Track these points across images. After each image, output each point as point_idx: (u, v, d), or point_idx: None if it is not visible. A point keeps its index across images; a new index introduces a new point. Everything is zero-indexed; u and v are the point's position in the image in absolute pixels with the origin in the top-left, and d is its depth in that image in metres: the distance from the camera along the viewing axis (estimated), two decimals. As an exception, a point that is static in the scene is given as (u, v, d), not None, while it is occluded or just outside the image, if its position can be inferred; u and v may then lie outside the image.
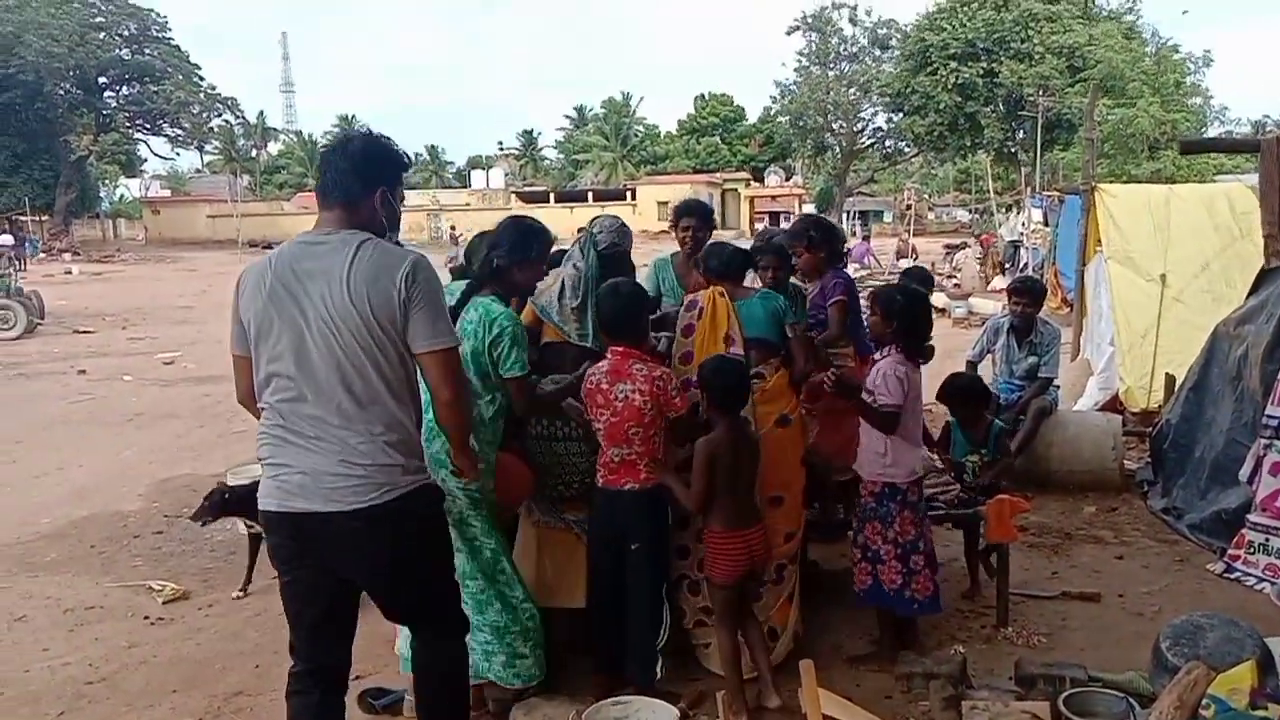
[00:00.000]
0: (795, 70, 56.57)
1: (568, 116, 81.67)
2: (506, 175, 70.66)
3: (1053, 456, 6.72)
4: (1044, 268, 17.69)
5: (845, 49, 55.69)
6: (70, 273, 35.45)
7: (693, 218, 5.18)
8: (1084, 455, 6.72)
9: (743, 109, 75.03)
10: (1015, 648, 4.39)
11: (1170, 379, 7.55)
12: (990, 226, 33.47)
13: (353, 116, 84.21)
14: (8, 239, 32.50)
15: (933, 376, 5.44)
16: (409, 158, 2.98)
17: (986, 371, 6.88)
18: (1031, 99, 40.12)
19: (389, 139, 2.92)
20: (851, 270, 5.76)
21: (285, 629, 4.73)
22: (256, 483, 5.21)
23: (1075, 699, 3.50)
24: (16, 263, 24.93)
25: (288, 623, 2.96)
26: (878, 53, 54.93)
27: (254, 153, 76.94)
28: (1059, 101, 40.10)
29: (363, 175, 2.81)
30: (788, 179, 63.19)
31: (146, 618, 5.03)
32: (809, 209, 50.43)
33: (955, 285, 22.60)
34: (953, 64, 45.91)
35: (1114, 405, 8.28)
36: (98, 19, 54.16)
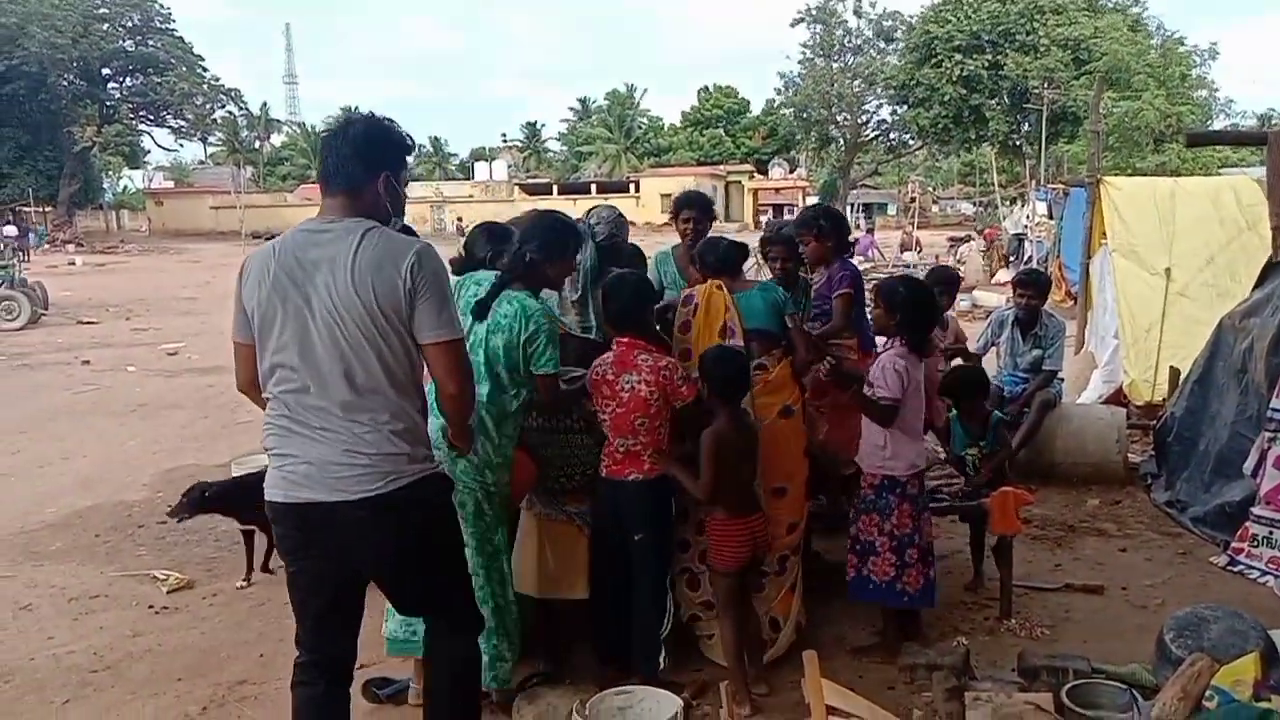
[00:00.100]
0: (799, 62, 56.53)
1: (571, 108, 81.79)
2: (510, 167, 70.59)
3: (1056, 449, 6.72)
4: (1048, 261, 17.66)
5: (850, 41, 55.59)
6: (74, 264, 35.50)
7: (693, 209, 5.18)
8: (1088, 448, 6.72)
9: (747, 101, 74.94)
10: (1018, 639, 4.39)
11: (1175, 372, 7.54)
12: (994, 219, 33.46)
13: (355, 108, 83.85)
14: (11, 230, 32.57)
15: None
16: (411, 140, 2.92)
17: (991, 364, 6.88)
18: (1036, 91, 40.06)
19: (391, 121, 2.86)
20: (856, 262, 5.75)
21: (289, 618, 4.75)
22: (235, 480, 5.23)
23: (1078, 691, 3.50)
24: (20, 253, 25.02)
25: (294, 613, 2.95)
26: (882, 45, 54.82)
27: (257, 144, 76.99)
28: (1064, 94, 40.02)
29: (365, 160, 2.76)
30: (791, 171, 63.10)
31: (151, 607, 5.04)
32: (812, 201, 50.38)
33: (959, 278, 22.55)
34: (957, 56, 45.82)
35: (1118, 398, 8.28)
36: (101, 10, 54.18)
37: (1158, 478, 6.65)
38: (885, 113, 55.95)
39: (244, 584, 5.25)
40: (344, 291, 2.64)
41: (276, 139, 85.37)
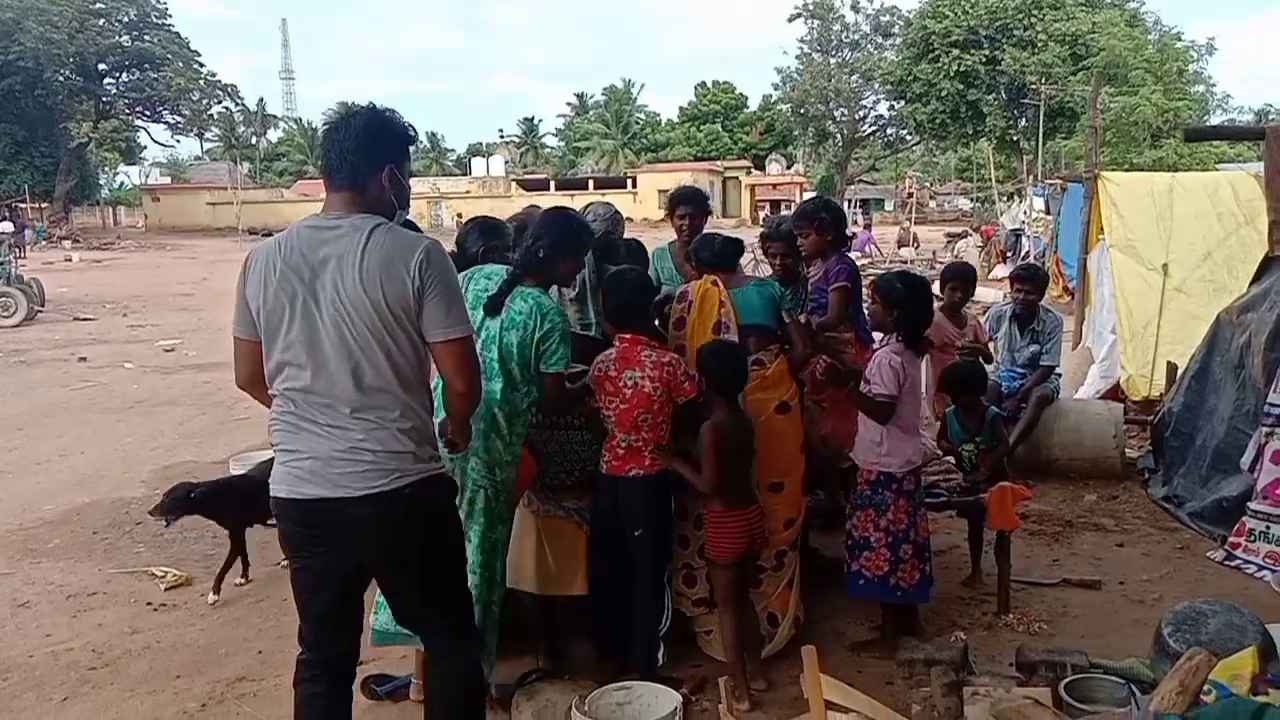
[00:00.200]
0: (797, 58, 56.58)
1: (569, 104, 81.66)
2: (507, 163, 70.56)
3: (1054, 444, 6.73)
4: (1045, 256, 17.67)
5: (847, 36, 55.67)
6: (70, 260, 35.41)
7: (689, 205, 5.17)
8: (1085, 443, 6.73)
9: (744, 96, 74.95)
10: (1016, 634, 4.39)
11: (1172, 367, 7.56)
12: (992, 215, 33.45)
13: (352, 103, 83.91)
14: (7, 226, 32.51)
15: (936, 365, 5.45)
16: (414, 130, 2.88)
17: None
18: (1034, 87, 40.06)
19: (392, 112, 2.82)
20: (853, 257, 5.70)
21: (288, 615, 4.78)
22: (220, 482, 5.17)
23: (1076, 685, 3.51)
24: (16, 250, 24.97)
25: (297, 610, 2.93)
26: (880, 40, 54.91)
27: (254, 140, 76.93)
28: (1061, 89, 40.03)
29: (368, 153, 2.72)
30: (789, 167, 63.09)
31: (149, 603, 5.04)
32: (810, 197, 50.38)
33: (956, 273, 22.53)
34: (955, 51, 45.83)
35: (1115, 393, 8.29)
36: (97, 5, 54.04)
37: (1155, 473, 6.66)
38: (882, 108, 56.07)
39: (242, 581, 5.24)
40: (352, 290, 2.62)
41: (273, 135, 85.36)
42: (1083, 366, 9.12)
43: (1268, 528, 5.23)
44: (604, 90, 77.25)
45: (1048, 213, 22.90)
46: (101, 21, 54.04)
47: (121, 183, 74.51)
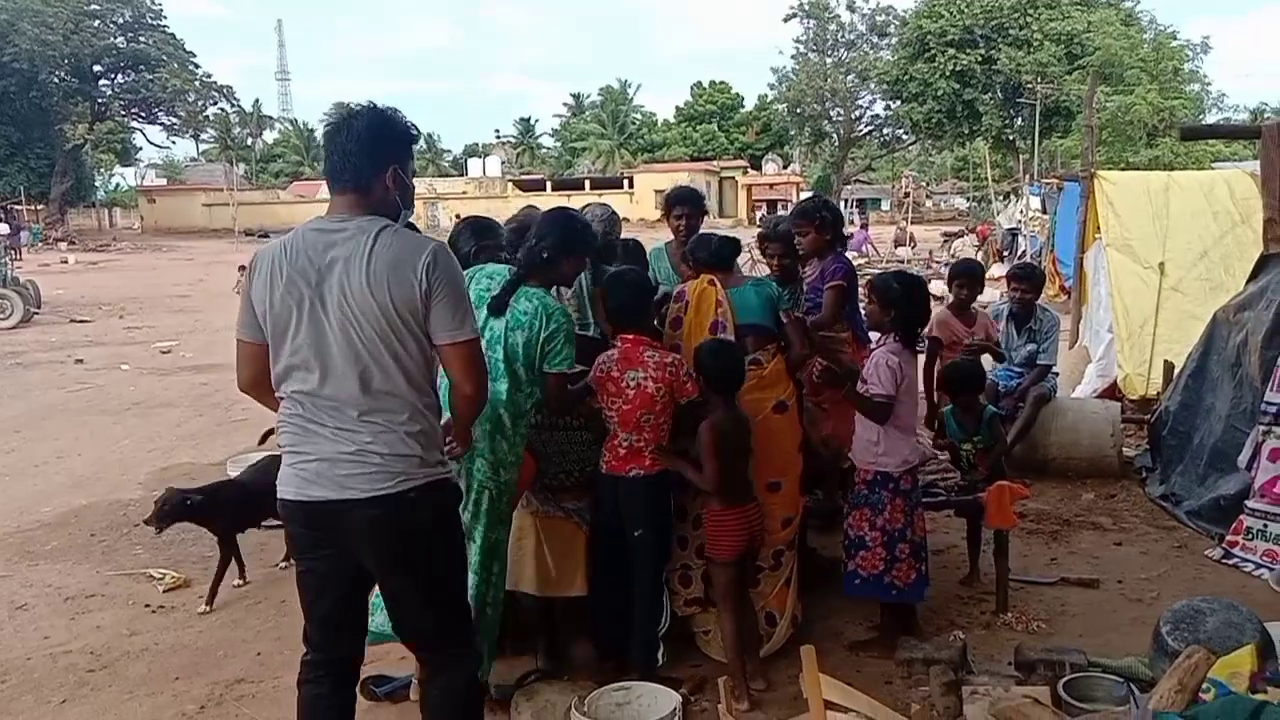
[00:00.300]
0: (793, 57, 56.63)
1: (565, 104, 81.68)
2: (503, 163, 70.51)
3: (1051, 444, 6.74)
4: (1042, 255, 17.69)
5: (843, 36, 55.74)
6: (66, 262, 35.36)
7: (685, 206, 5.18)
8: (1083, 442, 6.74)
9: (740, 96, 74.96)
10: (1015, 633, 4.39)
11: (1169, 366, 7.57)
12: (988, 214, 33.48)
13: (353, 104, 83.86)
14: (3, 228, 32.41)
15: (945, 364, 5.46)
16: (416, 129, 2.86)
17: (986, 358, 6.87)
18: (1030, 86, 40.12)
19: (395, 110, 2.80)
20: (850, 257, 5.66)
21: (286, 617, 4.79)
22: (211, 487, 5.12)
23: (1075, 684, 3.51)
24: (12, 251, 24.93)
25: (302, 611, 2.92)
26: (875, 40, 54.98)
27: (250, 141, 76.84)
28: (1057, 89, 40.09)
29: (371, 154, 2.71)
30: (785, 167, 63.11)
31: (147, 605, 5.03)
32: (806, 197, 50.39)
33: (953, 273, 22.56)
34: (951, 51, 45.90)
35: (1112, 392, 8.30)
36: (92, 7, 54.04)
37: (1152, 471, 6.67)
38: (879, 108, 56.17)
39: (240, 583, 5.23)
40: (359, 293, 2.61)
41: (269, 136, 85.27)
42: (1080, 365, 9.13)
43: (1265, 526, 5.24)
44: (600, 91, 77.38)
45: (1044, 212, 22.92)
46: (96, 23, 54.03)
47: (117, 184, 74.56)
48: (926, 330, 6.07)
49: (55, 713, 4.00)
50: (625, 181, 58.41)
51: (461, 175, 66.41)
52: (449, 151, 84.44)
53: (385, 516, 2.69)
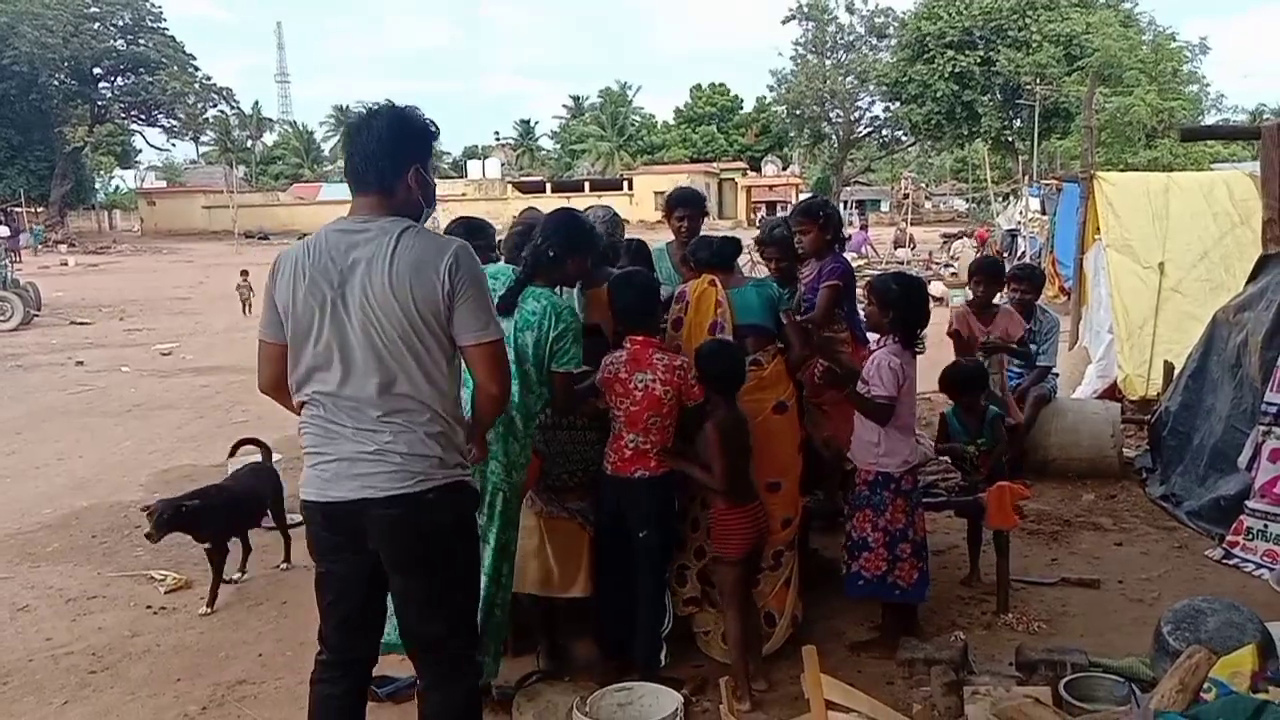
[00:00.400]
0: (792, 59, 56.64)
1: (565, 106, 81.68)
2: (503, 165, 70.54)
3: (1052, 444, 6.74)
4: (1041, 256, 17.71)
5: (842, 38, 55.75)
6: (66, 264, 35.40)
7: (686, 207, 5.19)
8: (1083, 443, 6.74)
9: (739, 98, 74.99)
10: (1016, 634, 4.40)
11: (1169, 367, 7.57)
12: (987, 215, 33.51)
13: (347, 107, 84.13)
14: (3, 230, 32.45)
15: (931, 365, 5.46)
16: (435, 126, 2.81)
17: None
18: (1029, 87, 40.18)
19: (414, 109, 2.78)
20: (849, 258, 5.61)
21: (287, 618, 4.81)
22: (200, 493, 5.06)
23: (1076, 684, 3.51)
24: (12, 254, 24.95)
25: (320, 612, 2.91)
26: (874, 41, 55.02)
27: (249, 143, 76.87)
28: (1056, 90, 40.13)
29: (393, 155, 2.70)
30: (785, 168, 63.13)
31: (149, 607, 5.03)
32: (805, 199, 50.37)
33: (952, 274, 22.64)
34: (950, 52, 45.95)
35: (1112, 393, 8.31)
36: (92, 9, 54.07)
37: (1153, 472, 6.67)
38: (878, 109, 56.21)
39: (240, 575, 5.24)
40: (381, 294, 2.61)
41: (269, 138, 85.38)
42: (1080, 366, 9.13)
43: (1265, 526, 5.24)
44: (600, 92, 77.43)
45: (1043, 213, 22.94)
46: (96, 25, 54.06)
47: (117, 187, 74.61)
48: (947, 327, 6.06)
49: (57, 714, 4.00)
50: (625, 183, 58.43)
51: (461, 177, 66.39)
52: (448, 153, 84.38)
53: (404, 517, 2.68)
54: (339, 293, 2.65)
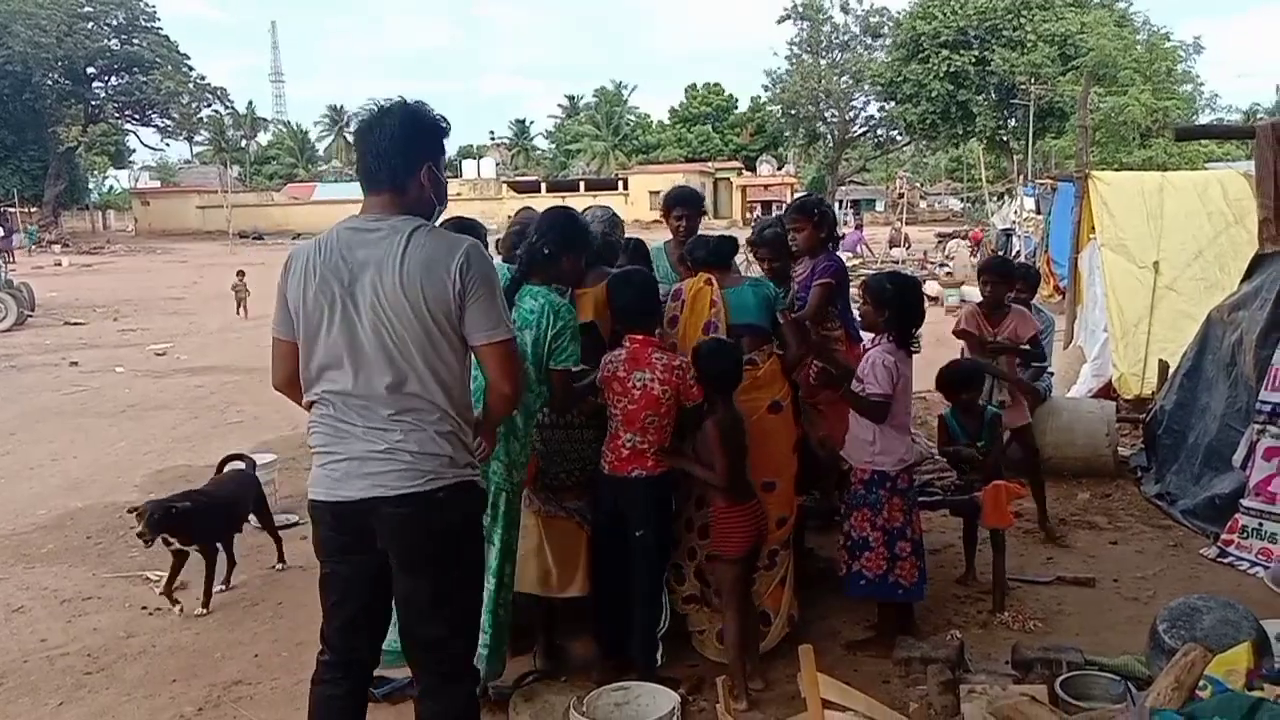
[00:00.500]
0: (787, 59, 56.67)
1: (560, 105, 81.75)
2: (498, 165, 70.53)
3: (1047, 443, 6.72)
4: (1036, 255, 17.74)
5: (837, 38, 55.77)
6: (60, 264, 35.34)
7: (684, 207, 5.19)
8: (1078, 442, 6.75)
9: (734, 98, 75.06)
10: (1012, 632, 4.40)
11: (1163, 366, 7.59)
12: (982, 215, 33.56)
13: (341, 107, 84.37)
14: (-3, 230, 32.39)
15: (928, 364, 5.46)
16: (446, 123, 2.80)
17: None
18: (1023, 87, 40.27)
19: (425, 105, 2.77)
20: (844, 258, 5.57)
21: (283, 619, 4.81)
22: (195, 501, 5.00)
23: (1072, 682, 3.52)
24: (5, 254, 24.89)
25: (323, 612, 2.89)
26: (869, 41, 55.04)
27: (244, 143, 76.78)
28: (1051, 89, 40.20)
29: (406, 153, 2.69)
30: (780, 168, 63.19)
31: (144, 608, 5.02)
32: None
33: (947, 273, 22.68)
34: (944, 52, 46.01)
35: (1107, 392, 8.32)
36: (86, 9, 53.95)
37: (1148, 471, 6.69)
38: (873, 109, 56.25)
39: (222, 588, 5.18)
40: (392, 293, 2.61)
41: (263, 138, 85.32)
42: (1075, 365, 9.15)
43: (1260, 524, 5.26)
44: (595, 92, 77.49)
45: (1038, 212, 23.00)
46: (90, 25, 53.95)
47: (111, 187, 74.50)
48: (956, 326, 6.03)
49: (52, 715, 3.99)
50: (620, 183, 58.47)
51: (456, 177, 66.33)
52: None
53: (414, 515, 2.67)
54: (349, 291, 2.64)
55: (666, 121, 76.48)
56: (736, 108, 74.71)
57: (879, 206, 62.53)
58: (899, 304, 4.24)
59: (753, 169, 63.02)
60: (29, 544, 6.08)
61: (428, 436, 2.67)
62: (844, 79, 55.11)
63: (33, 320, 18.45)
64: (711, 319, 4.14)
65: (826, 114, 56.74)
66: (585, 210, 4.59)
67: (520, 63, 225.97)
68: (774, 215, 5.95)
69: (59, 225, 53.90)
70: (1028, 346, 5.79)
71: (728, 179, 60.51)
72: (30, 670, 4.36)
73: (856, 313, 4.98)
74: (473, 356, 2.80)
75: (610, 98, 75.74)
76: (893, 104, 51.14)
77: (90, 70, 55.76)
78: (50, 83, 52.46)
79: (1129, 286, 8.63)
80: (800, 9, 55.02)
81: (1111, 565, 5.26)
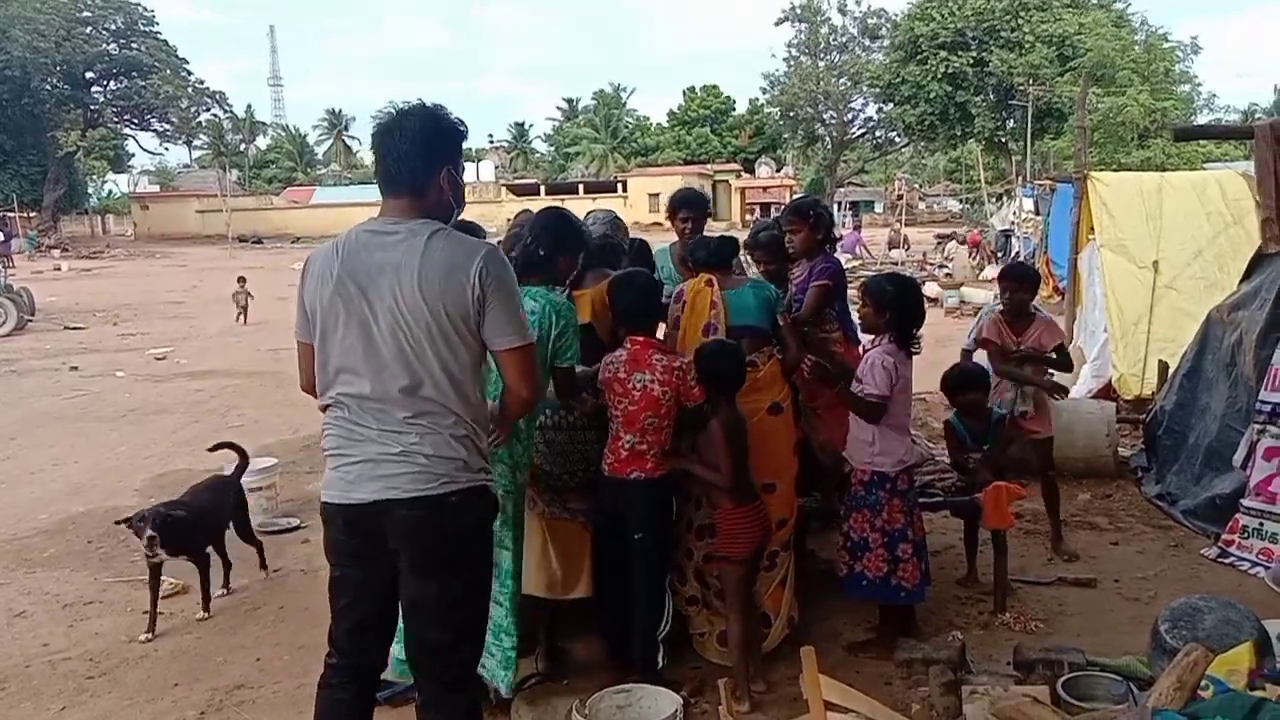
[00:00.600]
0: (785, 61, 56.69)
1: (558, 108, 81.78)
2: (497, 168, 70.58)
3: (1047, 444, 6.73)
4: (1035, 256, 17.75)
5: (835, 39, 55.76)
6: (59, 269, 35.33)
7: (690, 209, 5.22)
8: (1078, 442, 6.74)
9: (732, 100, 75.10)
10: (1013, 633, 4.41)
11: (1163, 366, 7.59)
12: (981, 216, 33.55)
13: (340, 110, 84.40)
14: (-4, 235, 32.35)
15: (928, 365, 5.46)
16: (464, 126, 2.79)
17: (980, 360, 6.87)
18: (1022, 88, 40.27)
19: (443, 108, 2.76)
20: (843, 259, 5.53)
21: (284, 622, 4.81)
22: (192, 509, 4.97)
23: (1074, 683, 3.52)
24: (5, 259, 24.88)
25: (332, 615, 2.88)
26: (867, 43, 55.03)
27: (243, 147, 76.72)
28: (1049, 90, 40.20)
29: (425, 156, 2.69)
30: (778, 170, 63.19)
31: (146, 612, 5.01)
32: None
33: (947, 275, 22.71)
34: (942, 53, 46.00)
35: (1107, 392, 8.32)
36: (84, 13, 53.93)
37: (1148, 471, 6.69)
38: (871, 110, 56.20)
39: (223, 592, 5.19)
40: (410, 297, 2.60)
41: (262, 141, 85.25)
42: (1074, 366, 9.15)
43: (1261, 524, 5.26)
44: (593, 95, 77.54)
45: (1037, 213, 23.02)
46: (89, 30, 53.93)
47: (110, 191, 74.43)
48: (977, 334, 5.96)
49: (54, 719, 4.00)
50: (619, 185, 58.46)
51: (455, 179, 66.28)
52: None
53: (428, 518, 2.66)
54: (366, 295, 2.64)
55: (665, 124, 76.55)
56: (735, 110, 74.78)
57: (878, 208, 62.56)
58: (899, 305, 4.25)
59: (751, 171, 63.02)
60: (30, 548, 6.08)
61: (443, 440, 2.66)
62: (842, 81, 55.10)
63: (33, 325, 18.44)
64: (711, 320, 4.15)
65: (825, 116, 56.74)
66: (588, 214, 4.61)
67: (519, 63, 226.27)
68: (772, 217, 5.93)
69: (58, 230, 53.83)
70: (1053, 355, 5.53)
71: (726, 181, 60.50)
72: (32, 675, 4.37)
73: (855, 315, 4.98)
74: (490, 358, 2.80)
75: (609, 100, 75.81)
76: (891, 105, 51.12)
77: (89, 75, 55.76)
78: (49, 87, 52.46)
79: (1128, 286, 8.64)
80: (798, 11, 55.03)
81: (1113, 566, 5.27)
